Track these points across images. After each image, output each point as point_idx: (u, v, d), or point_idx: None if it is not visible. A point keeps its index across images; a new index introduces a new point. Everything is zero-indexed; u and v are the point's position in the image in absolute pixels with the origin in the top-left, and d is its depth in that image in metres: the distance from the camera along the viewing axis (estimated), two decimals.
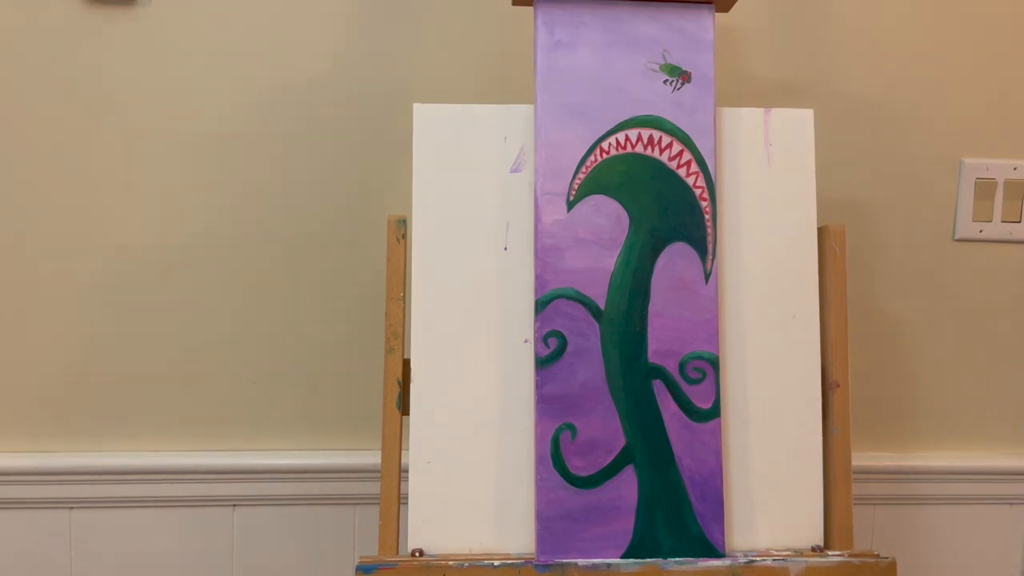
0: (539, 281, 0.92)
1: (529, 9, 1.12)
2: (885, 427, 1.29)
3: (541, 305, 0.92)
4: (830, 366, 0.97)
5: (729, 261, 0.96)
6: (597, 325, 0.92)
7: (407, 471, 0.93)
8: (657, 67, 0.94)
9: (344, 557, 1.24)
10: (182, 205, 1.18)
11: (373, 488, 1.20)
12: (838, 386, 0.97)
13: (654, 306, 0.93)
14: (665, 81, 0.94)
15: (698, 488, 0.92)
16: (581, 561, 0.90)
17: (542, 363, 0.92)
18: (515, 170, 0.95)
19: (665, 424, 0.92)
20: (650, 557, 0.91)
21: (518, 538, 0.92)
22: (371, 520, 1.23)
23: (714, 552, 0.92)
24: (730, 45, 1.21)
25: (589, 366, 0.92)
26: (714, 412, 0.93)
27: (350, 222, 1.20)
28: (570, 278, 0.92)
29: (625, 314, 0.93)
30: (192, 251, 1.18)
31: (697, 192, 0.94)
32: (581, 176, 0.93)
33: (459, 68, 1.19)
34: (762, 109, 0.98)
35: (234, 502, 1.21)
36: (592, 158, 0.93)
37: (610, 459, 0.92)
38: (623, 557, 0.91)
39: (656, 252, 0.93)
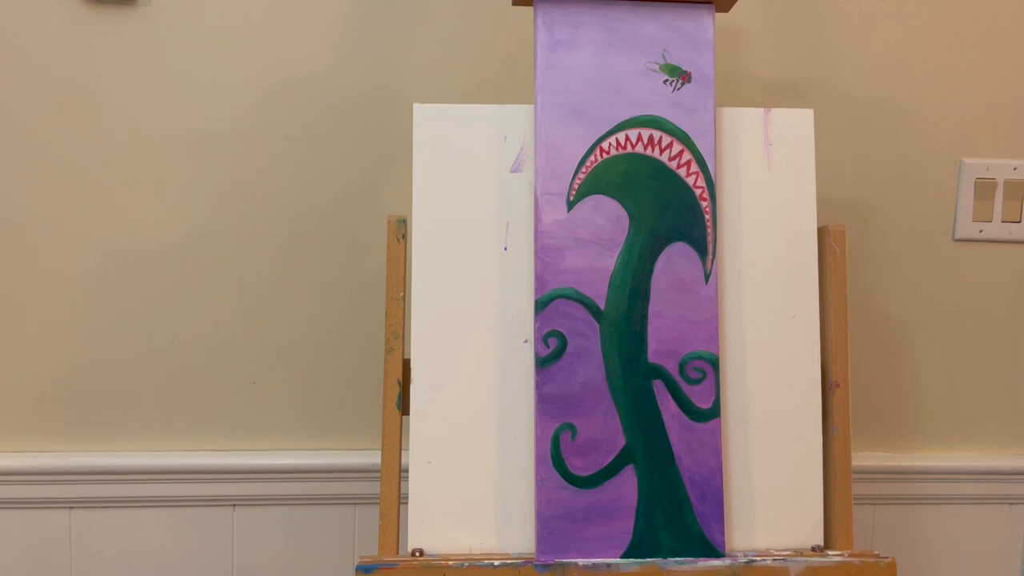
0: (539, 281, 0.92)
1: (529, 9, 1.12)
2: (885, 427, 1.29)
3: (541, 305, 0.92)
4: (830, 366, 0.97)
5: (729, 261, 0.96)
6: (597, 325, 0.92)
7: (407, 471, 0.93)
8: (657, 67, 0.94)
9: (344, 557, 1.24)
10: (181, 205, 1.18)
11: (373, 488, 1.20)
12: (838, 386, 0.97)
13: (654, 306, 0.93)
14: (665, 81, 0.94)
15: (698, 488, 0.92)
16: (581, 561, 0.90)
17: (542, 363, 0.92)
18: (515, 170, 0.95)
19: (665, 424, 0.92)
20: (650, 557, 0.91)
21: (518, 538, 0.92)
22: (371, 520, 1.23)
23: (714, 552, 0.92)
24: (730, 45, 1.21)
25: (589, 366, 0.92)
26: (714, 412, 0.93)
27: (350, 222, 1.20)
28: (570, 278, 0.92)
29: (625, 314, 0.93)
30: (191, 251, 1.18)
31: (697, 192, 0.94)
32: (581, 176, 0.93)
33: (459, 68, 1.19)
34: (762, 109, 0.98)
35: (234, 502, 1.21)
36: (592, 158, 0.93)
37: (610, 459, 0.92)
38: (623, 557, 0.91)
39: (656, 252, 0.93)
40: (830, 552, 0.93)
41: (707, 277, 0.94)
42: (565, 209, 0.93)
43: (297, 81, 1.17)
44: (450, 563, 0.89)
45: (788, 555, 0.92)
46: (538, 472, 0.91)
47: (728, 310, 0.96)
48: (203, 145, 1.17)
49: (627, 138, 0.94)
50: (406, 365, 0.94)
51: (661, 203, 0.94)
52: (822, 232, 0.99)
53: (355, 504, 1.23)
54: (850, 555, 0.92)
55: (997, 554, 1.31)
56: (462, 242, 0.94)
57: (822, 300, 0.98)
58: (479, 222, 0.95)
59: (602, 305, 0.92)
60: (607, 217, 0.93)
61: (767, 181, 0.97)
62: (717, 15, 1.10)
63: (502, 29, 1.18)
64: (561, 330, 0.92)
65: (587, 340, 0.92)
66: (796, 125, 0.98)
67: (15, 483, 1.18)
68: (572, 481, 0.91)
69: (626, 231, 0.93)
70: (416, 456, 0.92)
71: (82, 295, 1.18)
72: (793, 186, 0.97)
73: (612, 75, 0.94)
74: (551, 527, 0.90)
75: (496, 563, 0.89)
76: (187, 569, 1.22)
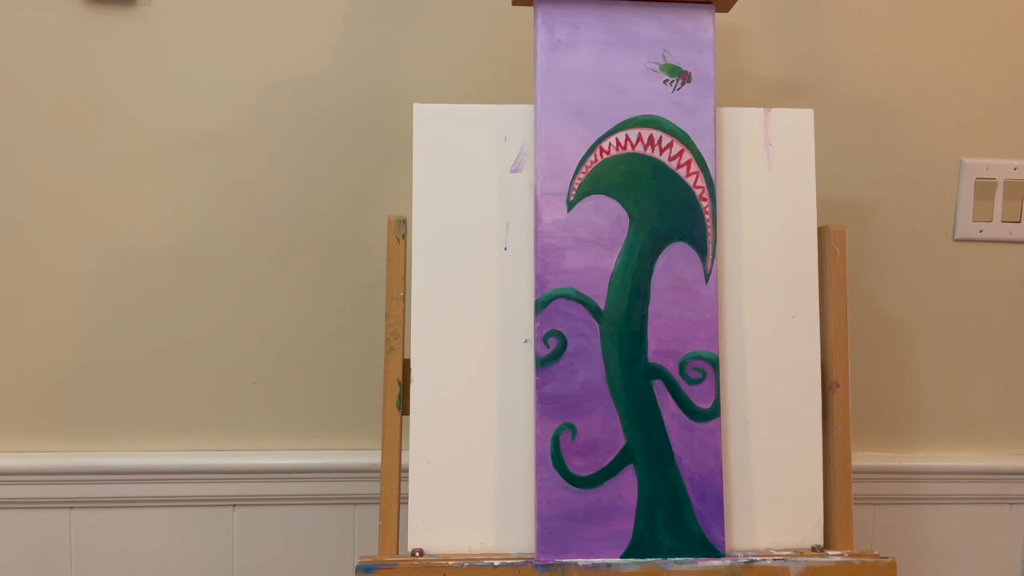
0: (539, 281, 0.92)
1: (529, 9, 1.12)
2: (885, 427, 1.29)
3: (541, 305, 0.92)
4: (830, 366, 0.97)
5: (729, 261, 0.96)
6: (597, 325, 0.92)
7: (407, 471, 0.93)
8: (657, 67, 0.94)
9: (344, 557, 1.24)
10: (181, 205, 1.18)
11: (373, 488, 1.20)
12: (838, 386, 0.97)
13: (654, 306, 0.93)
14: (665, 81, 0.94)
15: (698, 488, 0.92)
16: (581, 561, 0.90)
17: (542, 363, 0.92)
18: (515, 170, 0.95)
19: (665, 424, 0.92)
20: (650, 557, 0.91)
21: (518, 538, 0.92)
22: (371, 520, 1.23)
23: (714, 552, 0.92)
24: (730, 45, 1.21)
25: (589, 366, 0.92)
26: (714, 412, 0.93)
27: (350, 222, 1.20)
28: (570, 278, 0.92)
29: (625, 314, 0.93)
30: (192, 251, 1.18)
31: (697, 192, 0.94)
32: (581, 176, 0.93)
33: (459, 68, 1.19)
34: (762, 109, 0.98)
35: (234, 502, 1.21)
36: (592, 158, 0.93)
37: (610, 459, 0.92)
38: (623, 557, 0.91)
39: (656, 252, 0.93)
40: (830, 552, 0.93)
41: (707, 277, 0.94)
42: (565, 209, 0.93)
43: (297, 81, 1.17)
44: (450, 563, 0.89)
45: (788, 555, 0.92)
46: (538, 472, 0.91)
47: (728, 310, 0.96)
48: (203, 145, 1.17)
49: (627, 138, 0.94)
50: (406, 365, 0.94)
51: (661, 203, 0.94)
52: (822, 232, 0.99)
53: (355, 504, 1.23)
54: (850, 555, 0.92)
55: (997, 554, 1.31)
56: (462, 242, 0.94)
57: (822, 300, 0.98)
58: (479, 222, 0.95)
59: (602, 305, 0.92)
60: (607, 217, 0.93)
61: (767, 181, 0.97)
62: (717, 15, 1.10)
63: (502, 29, 1.18)
64: (561, 330, 0.92)
65: (587, 340, 0.92)
66: (796, 125, 0.98)
67: (15, 483, 1.18)
68: (572, 481, 0.91)
69: (626, 231, 0.93)
70: (416, 456, 0.92)
71: (82, 295, 1.18)
72: (793, 186, 0.97)
73: (612, 75, 0.94)
74: (551, 527, 0.90)
75: (496, 563, 0.89)
76: (187, 569, 1.22)
